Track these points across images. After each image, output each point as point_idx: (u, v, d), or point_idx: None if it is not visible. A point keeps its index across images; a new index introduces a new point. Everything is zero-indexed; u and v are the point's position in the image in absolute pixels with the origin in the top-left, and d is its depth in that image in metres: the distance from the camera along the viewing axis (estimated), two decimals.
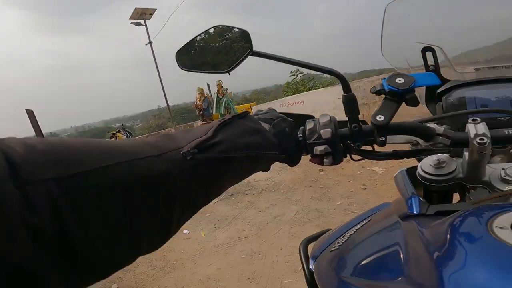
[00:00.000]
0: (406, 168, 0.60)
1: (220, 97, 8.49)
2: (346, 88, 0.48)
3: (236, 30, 0.52)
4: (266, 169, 0.50)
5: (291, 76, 13.22)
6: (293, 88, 12.45)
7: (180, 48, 0.54)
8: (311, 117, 0.55)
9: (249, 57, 0.49)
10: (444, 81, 0.69)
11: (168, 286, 2.19)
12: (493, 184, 0.49)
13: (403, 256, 0.39)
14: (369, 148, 0.53)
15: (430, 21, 0.81)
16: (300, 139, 0.51)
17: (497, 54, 0.77)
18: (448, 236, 0.34)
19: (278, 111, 0.55)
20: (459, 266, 0.29)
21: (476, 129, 0.45)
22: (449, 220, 0.36)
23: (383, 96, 0.50)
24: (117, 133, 9.35)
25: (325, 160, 0.50)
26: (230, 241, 2.69)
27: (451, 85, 0.67)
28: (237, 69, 0.51)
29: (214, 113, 8.96)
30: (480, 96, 0.64)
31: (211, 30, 0.53)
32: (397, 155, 0.52)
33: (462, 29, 0.79)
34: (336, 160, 0.50)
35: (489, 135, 0.44)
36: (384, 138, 0.48)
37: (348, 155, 0.53)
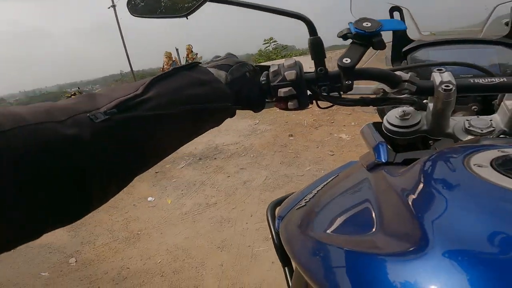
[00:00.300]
0: (372, 122, 0.60)
1: (190, 61, 8.14)
2: (313, 31, 0.47)
3: None
4: (232, 115, 0.48)
5: (264, 44, 12.88)
6: (266, 56, 12.22)
7: None
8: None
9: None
10: (409, 41, 0.71)
11: (132, 258, 2.08)
12: (456, 135, 0.50)
13: (374, 207, 0.36)
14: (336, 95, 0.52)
15: None
16: (263, 82, 0.49)
17: (460, 17, 0.82)
18: (422, 179, 0.31)
19: None
20: (440, 211, 0.26)
21: (441, 77, 0.46)
22: (420, 164, 0.34)
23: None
24: (72, 96, 8.76)
25: (289, 103, 0.48)
26: (198, 208, 2.60)
27: (416, 44, 0.69)
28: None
29: None
30: (443, 55, 0.67)
31: None
32: (363, 101, 0.51)
33: None
34: (301, 104, 0.49)
35: (454, 83, 0.45)
36: (350, 82, 0.47)
37: (314, 102, 0.52)
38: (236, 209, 2.48)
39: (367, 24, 0.45)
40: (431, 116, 0.50)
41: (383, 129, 0.55)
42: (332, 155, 3.26)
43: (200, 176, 3.20)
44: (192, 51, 8.44)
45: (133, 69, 9.26)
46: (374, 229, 0.32)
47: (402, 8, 0.69)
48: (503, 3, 0.69)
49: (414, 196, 0.30)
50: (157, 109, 0.36)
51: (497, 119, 0.50)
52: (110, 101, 0.33)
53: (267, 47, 12.78)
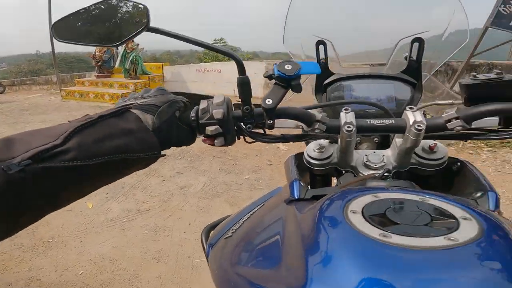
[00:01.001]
0: (295, 154, 0.65)
1: (129, 51, 7.52)
2: (241, 71, 0.49)
3: (132, 4, 0.49)
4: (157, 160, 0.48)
5: (214, 43, 12.79)
6: (212, 55, 12.00)
7: (60, 19, 0.50)
8: (210, 97, 0.55)
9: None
10: (331, 74, 0.76)
11: (44, 268, 1.72)
12: (358, 168, 0.57)
13: (282, 243, 0.40)
14: (260, 131, 0.55)
15: (327, 17, 0.89)
16: (192, 119, 0.50)
17: (373, 55, 0.90)
18: (314, 222, 0.36)
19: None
20: (320, 258, 0.30)
21: (346, 117, 0.51)
22: (316, 206, 0.39)
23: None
24: None
25: (216, 140, 0.50)
26: (128, 215, 2.33)
27: (334, 78, 0.75)
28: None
29: (116, 66, 8.00)
30: (355, 89, 0.73)
31: (102, 3, 0.50)
32: (284, 138, 0.55)
33: (352, 29, 0.89)
34: (228, 141, 0.51)
35: (355, 124, 0.50)
36: (272, 121, 0.51)
37: (242, 137, 0.54)
38: (172, 216, 2.30)
39: (288, 67, 0.48)
40: (339, 150, 0.57)
41: (304, 160, 0.61)
42: (270, 164, 3.30)
43: (129, 178, 2.89)
44: (133, 41, 7.86)
45: (55, 51, 7.99)
46: (278, 265, 0.36)
47: (326, 42, 0.74)
48: (405, 37, 0.76)
49: (306, 238, 0.35)
50: (75, 160, 0.36)
51: (389, 154, 0.57)
52: (27, 149, 0.34)
53: None
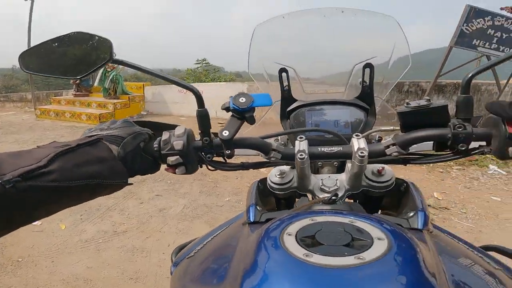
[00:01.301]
0: (260, 179, 0.68)
1: (109, 70, 7.23)
2: (200, 104, 0.52)
3: (97, 38, 0.51)
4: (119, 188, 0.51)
5: (196, 63, 12.24)
6: (195, 76, 11.72)
7: (27, 50, 0.51)
8: (174, 127, 0.57)
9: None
10: (294, 100, 0.79)
11: (13, 287, 1.66)
12: (315, 192, 0.60)
13: (231, 262, 0.43)
14: (221, 159, 0.57)
15: (288, 45, 0.91)
16: (155, 149, 0.52)
17: (333, 81, 0.92)
18: (256, 243, 0.38)
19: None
20: (255, 272, 0.33)
21: (299, 145, 0.53)
22: (262, 229, 0.42)
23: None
24: None
25: (177, 170, 0.53)
26: (104, 236, 2.27)
27: (296, 105, 0.78)
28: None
29: (95, 85, 7.71)
30: (315, 115, 0.76)
31: (68, 36, 0.51)
32: (243, 166, 0.58)
33: (312, 56, 0.92)
34: (189, 170, 0.53)
35: (307, 151, 0.53)
36: (230, 151, 0.53)
37: (204, 165, 0.56)
38: (151, 238, 2.26)
39: (242, 100, 0.51)
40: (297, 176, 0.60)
41: (267, 185, 0.64)
42: None
43: (105, 200, 2.83)
44: None
45: None
46: (225, 283, 0.39)
47: (288, 70, 0.76)
48: (359, 63, 0.76)
49: (247, 258, 0.37)
50: (57, 181, 0.40)
51: (343, 178, 0.60)
52: (14, 168, 0.37)
53: (198, 67, 12.13)
